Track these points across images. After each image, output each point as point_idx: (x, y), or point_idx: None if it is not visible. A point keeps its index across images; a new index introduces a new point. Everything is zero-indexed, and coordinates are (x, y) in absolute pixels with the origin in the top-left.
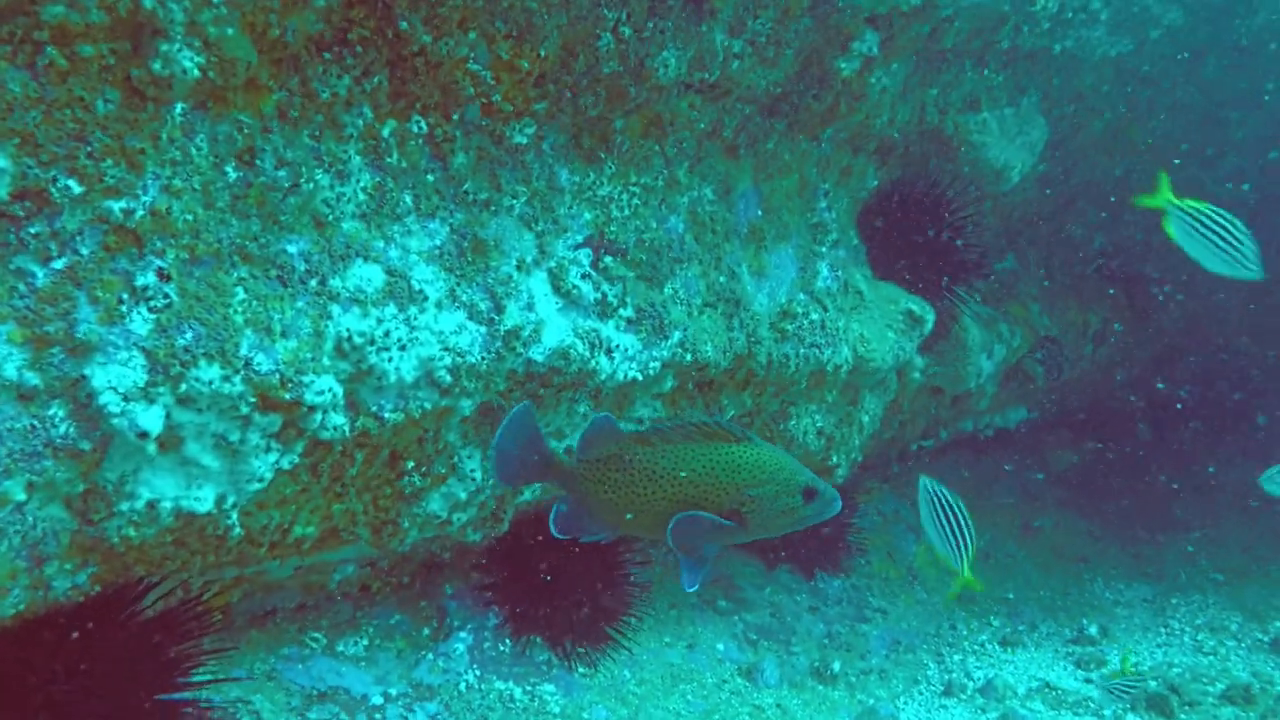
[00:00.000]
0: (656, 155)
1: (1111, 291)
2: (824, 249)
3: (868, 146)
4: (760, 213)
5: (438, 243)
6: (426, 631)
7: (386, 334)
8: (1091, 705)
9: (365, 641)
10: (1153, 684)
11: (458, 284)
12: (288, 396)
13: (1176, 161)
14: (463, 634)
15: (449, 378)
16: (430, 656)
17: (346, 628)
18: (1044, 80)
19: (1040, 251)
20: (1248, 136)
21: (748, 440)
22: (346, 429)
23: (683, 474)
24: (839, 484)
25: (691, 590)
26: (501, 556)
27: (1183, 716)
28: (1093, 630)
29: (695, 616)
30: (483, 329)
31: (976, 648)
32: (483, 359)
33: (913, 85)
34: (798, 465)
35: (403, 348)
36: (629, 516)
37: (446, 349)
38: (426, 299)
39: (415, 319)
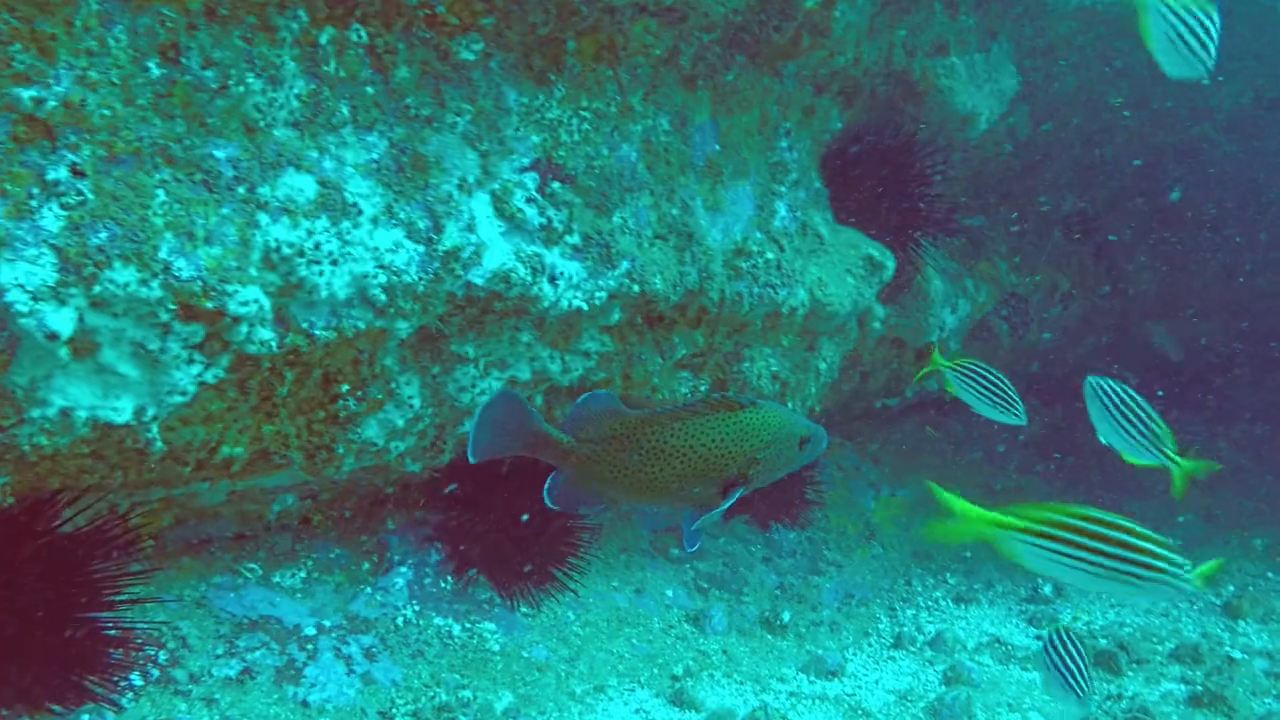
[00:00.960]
0: (610, 81)
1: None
2: (783, 189)
3: (831, 86)
4: (718, 147)
5: (375, 156)
6: (367, 566)
7: (317, 246)
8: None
9: (303, 574)
10: (1103, 642)
11: (395, 200)
12: (210, 305)
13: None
14: (403, 569)
15: (384, 296)
16: (368, 591)
17: (284, 559)
18: (1016, 27)
19: (1012, 209)
20: (1225, 98)
21: (753, 405)
22: (275, 344)
23: (695, 449)
24: None
25: (691, 551)
26: (447, 493)
27: (1130, 673)
28: (1047, 590)
29: (646, 563)
30: (421, 248)
31: (930, 603)
32: (420, 279)
33: (880, 25)
34: (795, 417)
35: (335, 262)
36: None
37: (381, 266)
38: (361, 214)
39: (349, 233)
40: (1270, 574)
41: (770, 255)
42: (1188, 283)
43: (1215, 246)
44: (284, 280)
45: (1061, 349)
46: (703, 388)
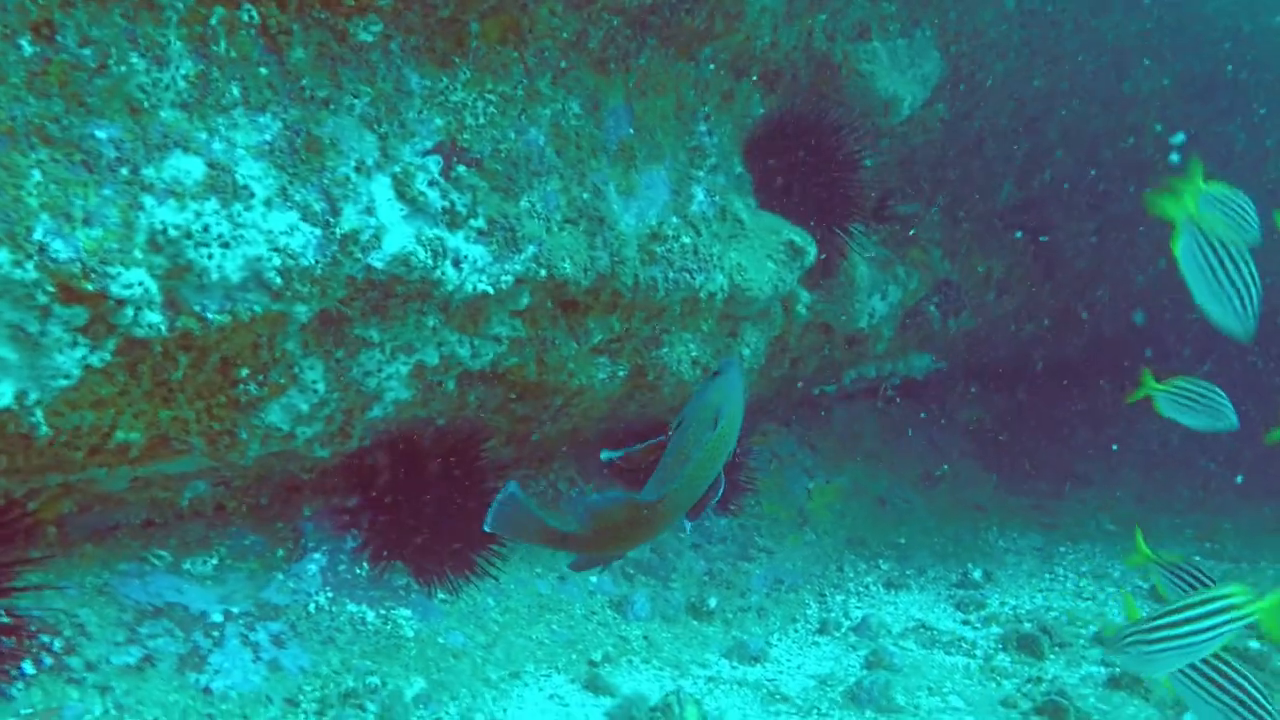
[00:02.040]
0: (516, 64)
1: (1020, 237)
2: (701, 173)
3: (751, 71)
4: (632, 131)
5: (268, 138)
6: (281, 553)
7: (205, 229)
8: (964, 645)
9: (215, 561)
10: (1027, 627)
11: (290, 183)
12: (91, 287)
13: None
14: (317, 555)
15: (280, 280)
16: (281, 577)
17: (197, 546)
18: (939, 13)
19: (946, 196)
20: (1152, 89)
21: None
22: (164, 328)
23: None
24: None
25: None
26: (365, 479)
27: (1052, 656)
28: (977, 575)
29: None
30: (318, 231)
31: (861, 589)
32: (317, 262)
33: (799, 9)
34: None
35: (225, 245)
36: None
37: (276, 249)
38: (254, 196)
39: (240, 216)
40: (1198, 558)
41: (686, 240)
42: (1125, 267)
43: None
44: (171, 263)
45: (998, 335)
46: (621, 373)
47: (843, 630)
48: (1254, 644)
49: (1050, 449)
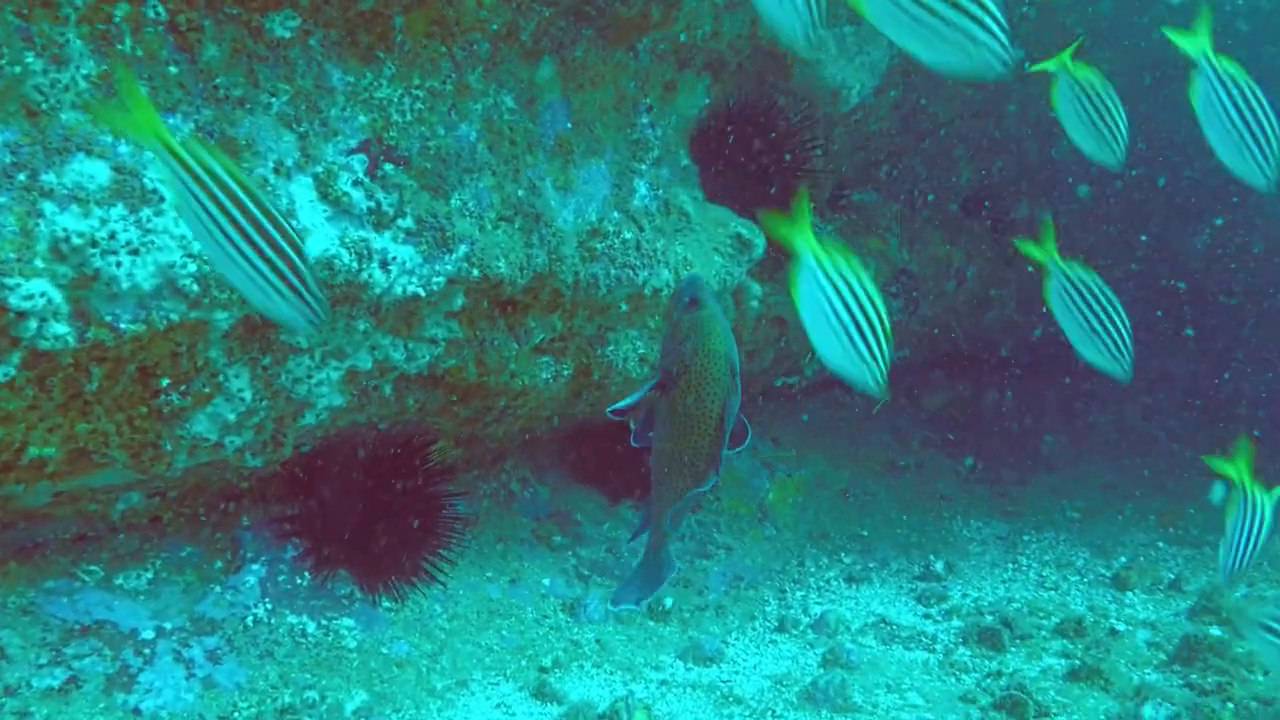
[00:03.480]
0: (444, 57)
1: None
2: (644, 166)
3: (695, 60)
4: (570, 125)
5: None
6: (219, 564)
7: (112, 236)
8: (924, 640)
9: (149, 575)
10: (989, 619)
11: None
12: None
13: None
14: (255, 566)
15: (196, 287)
16: (218, 589)
17: (130, 560)
18: None
19: (903, 184)
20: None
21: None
22: (72, 339)
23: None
24: None
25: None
26: (306, 485)
27: (1013, 649)
28: (939, 566)
29: (524, 552)
30: None
31: (822, 584)
32: None
33: None
34: None
35: (135, 252)
36: None
37: (191, 255)
38: (164, 200)
39: (150, 221)
40: (1161, 543)
41: (628, 235)
42: (1087, 252)
43: (1115, 218)
44: (77, 272)
45: (961, 323)
46: (565, 373)
47: (801, 627)
48: (1215, 630)
49: (1015, 436)
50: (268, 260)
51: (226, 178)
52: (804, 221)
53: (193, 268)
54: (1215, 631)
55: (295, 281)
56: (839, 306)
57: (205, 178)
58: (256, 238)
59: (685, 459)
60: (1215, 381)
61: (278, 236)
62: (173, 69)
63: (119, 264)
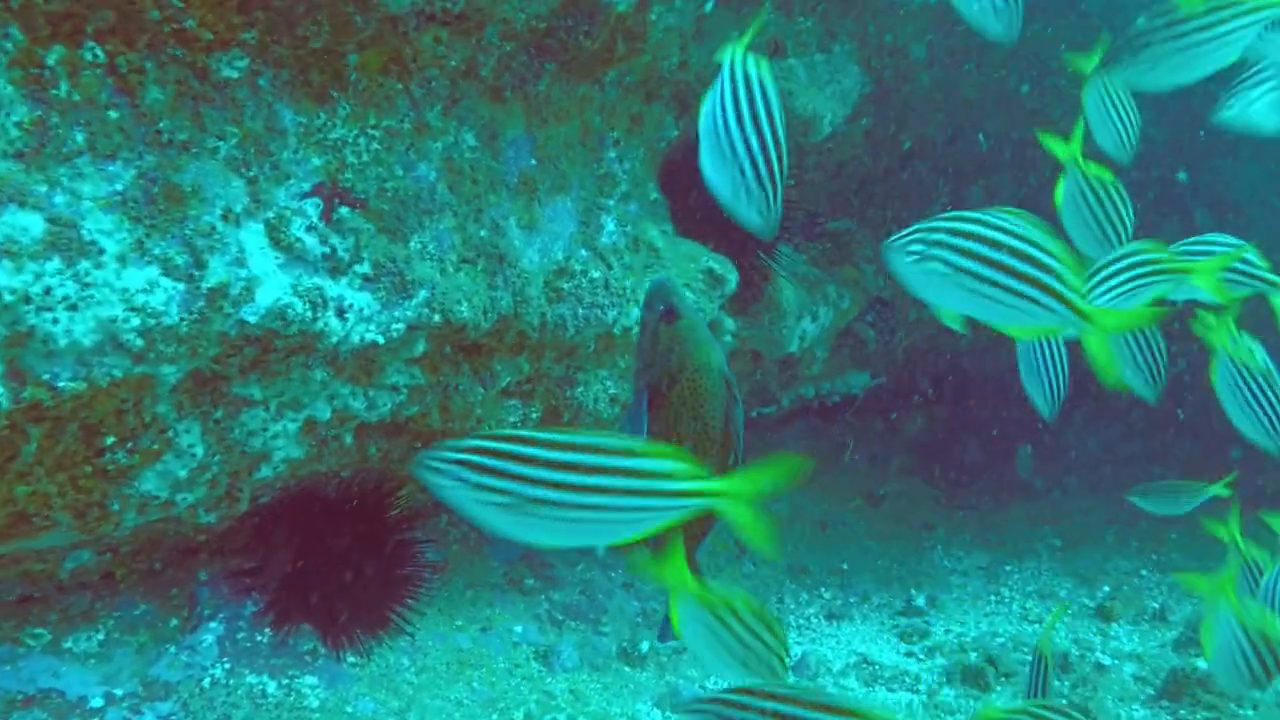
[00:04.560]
0: (401, 95)
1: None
2: (611, 202)
3: (662, 92)
4: (534, 161)
5: (119, 188)
6: (175, 622)
7: (48, 291)
8: (908, 679)
9: (101, 636)
10: (973, 656)
11: (147, 235)
12: None
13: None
14: (213, 624)
15: (140, 341)
16: (173, 650)
17: (80, 621)
18: (858, 26)
19: (878, 211)
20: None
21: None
22: (6, 400)
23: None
24: None
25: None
26: (265, 537)
27: (999, 688)
28: (920, 601)
29: (495, 597)
30: (181, 286)
31: (803, 622)
32: (182, 320)
33: (710, 27)
34: None
35: (73, 308)
36: None
37: (134, 309)
38: (104, 252)
39: (89, 274)
40: (1144, 571)
41: (596, 274)
42: None
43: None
44: (10, 330)
45: (938, 348)
46: (534, 415)
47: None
48: (1201, 663)
49: (995, 461)
50: None
51: None
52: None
53: (136, 321)
54: (1202, 664)
55: None
56: None
57: None
58: None
59: None
60: (1188, 398)
61: None
62: (112, 113)
63: (55, 320)
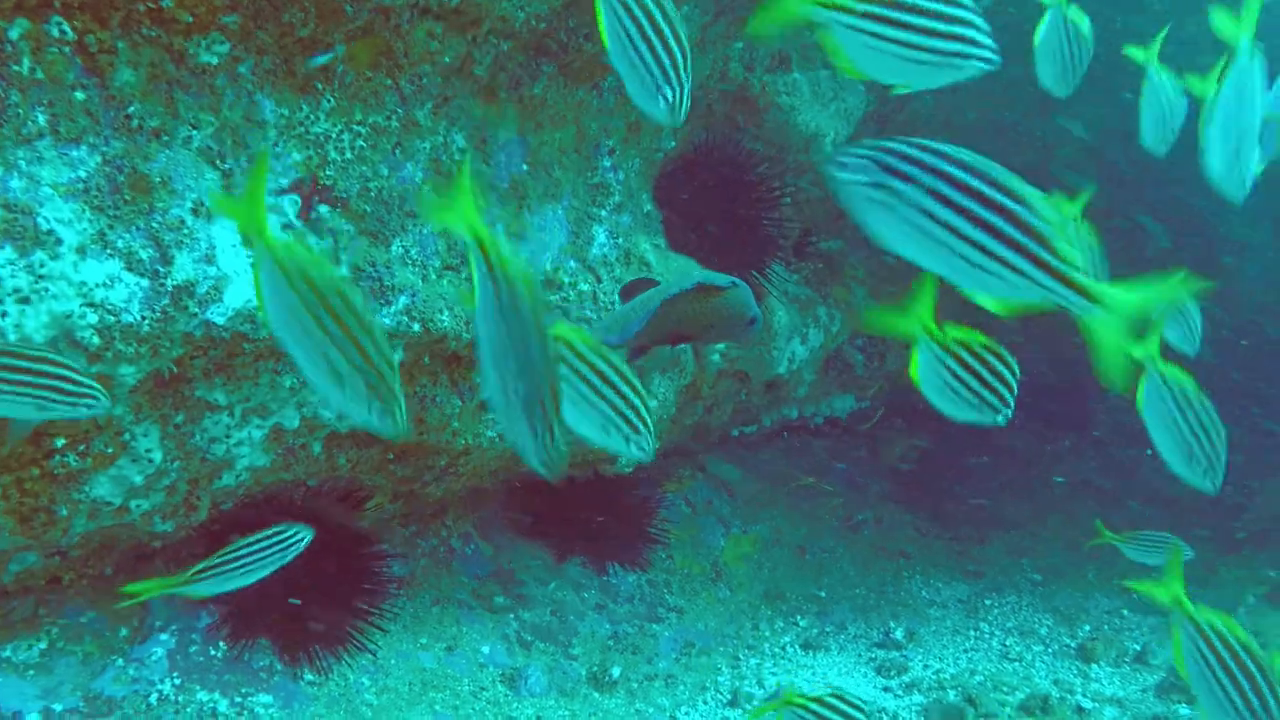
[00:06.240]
0: (389, 91)
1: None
2: (604, 213)
3: None
4: (525, 167)
5: (82, 175)
6: (125, 632)
7: None
8: (885, 718)
9: (43, 645)
10: (951, 695)
11: (110, 227)
12: None
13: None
14: (163, 636)
15: (98, 339)
16: (120, 662)
17: (22, 628)
18: None
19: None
20: (1083, 113)
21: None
22: None
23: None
24: (626, 472)
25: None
26: (222, 544)
27: None
28: (899, 634)
29: (462, 615)
30: (144, 282)
31: (777, 651)
32: (144, 318)
33: (713, 36)
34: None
35: (25, 301)
36: None
37: (91, 305)
38: (62, 243)
39: (43, 266)
40: (1126, 610)
41: (584, 287)
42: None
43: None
44: None
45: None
46: None
47: (755, 702)
48: (1184, 710)
49: (976, 490)
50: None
51: None
52: None
53: (93, 318)
54: (1184, 711)
55: None
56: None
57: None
58: None
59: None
60: None
61: None
62: (79, 94)
63: (5, 314)
